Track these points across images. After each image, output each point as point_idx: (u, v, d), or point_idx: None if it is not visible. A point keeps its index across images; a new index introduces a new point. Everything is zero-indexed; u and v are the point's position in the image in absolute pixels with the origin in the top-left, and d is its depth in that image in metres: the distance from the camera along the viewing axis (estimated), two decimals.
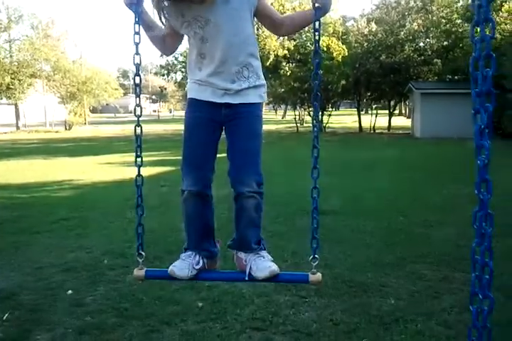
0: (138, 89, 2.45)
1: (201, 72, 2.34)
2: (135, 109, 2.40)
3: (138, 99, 2.45)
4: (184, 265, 2.26)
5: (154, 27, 2.35)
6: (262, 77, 2.41)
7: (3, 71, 28.38)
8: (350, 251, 5.44)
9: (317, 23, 2.34)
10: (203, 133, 2.37)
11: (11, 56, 30.86)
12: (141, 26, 2.39)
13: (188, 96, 2.43)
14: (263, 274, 2.19)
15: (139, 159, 2.40)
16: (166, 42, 2.43)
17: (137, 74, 2.50)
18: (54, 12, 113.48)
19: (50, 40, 33.19)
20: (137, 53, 2.47)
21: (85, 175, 12.40)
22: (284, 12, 23.96)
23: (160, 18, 2.27)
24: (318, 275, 2.22)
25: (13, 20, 29.83)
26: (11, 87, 29.56)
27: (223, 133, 2.42)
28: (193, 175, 2.35)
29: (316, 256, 2.24)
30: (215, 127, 2.38)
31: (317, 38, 2.37)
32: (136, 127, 2.37)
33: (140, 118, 2.47)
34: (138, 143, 2.39)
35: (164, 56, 25.39)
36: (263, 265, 2.22)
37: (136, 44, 2.44)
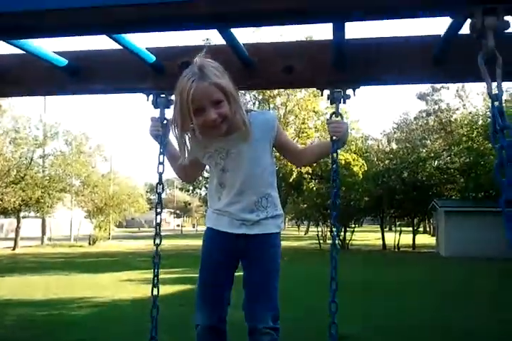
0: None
1: (220, 202, 2.39)
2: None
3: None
4: None
5: (177, 157, 2.44)
6: (280, 207, 2.46)
7: (35, 185, 29.23)
8: None
9: (335, 155, 2.47)
10: (219, 265, 2.36)
11: (43, 171, 31.87)
12: (165, 156, 2.55)
13: (206, 225, 2.47)
14: None
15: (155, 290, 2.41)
16: (188, 172, 2.53)
17: (159, 201, 2.60)
18: (88, 125, 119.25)
19: (82, 155, 34.58)
20: (160, 183, 2.60)
21: (105, 292, 12.26)
22: (306, 130, 24.94)
23: (183, 149, 2.36)
24: None
25: (49, 137, 31.15)
26: (41, 200, 30.24)
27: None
28: (207, 309, 2.30)
29: None
30: (232, 258, 2.37)
31: (335, 169, 2.46)
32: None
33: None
34: (155, 273, 2.41)
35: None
36: None
37: (160, 174, 2.57)
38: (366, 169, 28.32)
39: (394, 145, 34.22)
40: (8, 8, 1.67)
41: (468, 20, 1.67)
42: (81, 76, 2.79)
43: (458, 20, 1.82)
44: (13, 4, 1.66)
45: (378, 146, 36.07)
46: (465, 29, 2.12)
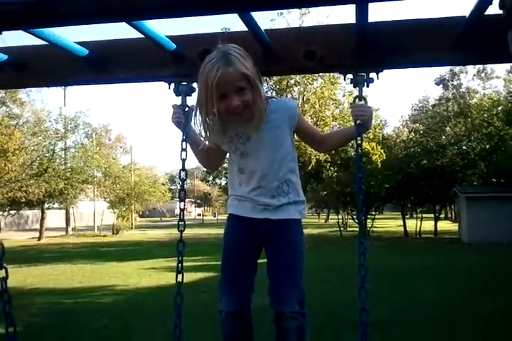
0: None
1: (241, 188, 2.39)
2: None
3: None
4: None
5: (199, 143, 2.46)
6: (302, 193, 2.45)
7: (58, 177, 29.57)
8: None
9: (359, 139, 2.45)
10: (242, 250, 2.36)
11: (65, 163, 32.20)
12: (187, 143, 2.54)
13: (228, 212, 2.47)
14: None
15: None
16: (211, 158, 2.54)
17: (182, 188, 2.61)
18: (109, 116, 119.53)
19: (102, 147, 34.85)
20: (183, 169, 2.60)
21: (129, 280, 12.44)
22: (324, 119, 24.73)
23: (205, 134, 2.37)
24: None
25: (69, 130, 31.42)
26: (64, 192, 30.63)
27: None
28: (232, 294, 2.30)
29: None
30: (255, 243, 2.36)
31: (360, 153, 2.45)
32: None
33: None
34: (179, 259, 2.42)
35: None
36: None
37: (183, 160, 2.57)
38: (385, 158, 28.12)
39: (413, 134, 33.74)
40: None
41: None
42: (102, 65, 2.79)
43: None
44: None
45: (397, 135, 35.66)
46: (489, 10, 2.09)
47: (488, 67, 32.55)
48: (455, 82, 34.87)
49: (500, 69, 34.42)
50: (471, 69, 33.87)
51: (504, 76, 33.44)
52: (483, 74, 34.14)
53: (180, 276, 2.46)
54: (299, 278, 2.29)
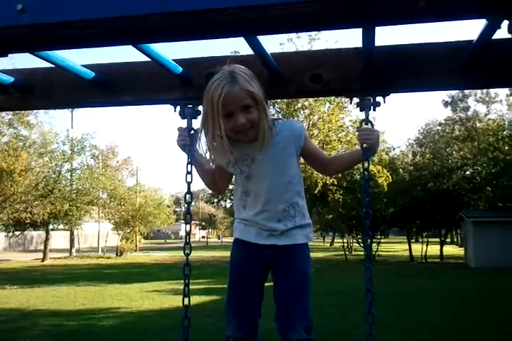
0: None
1: (246, 211, 2.35)
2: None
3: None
4: None
5: (205, 166, 2.44)
6: (308, 216, 2.40)
7: (63, 198, 29.58)
8: None
9: (366, 163, 2.42)
10: (249, 275, 2.32)
11: (71, 184, 32.24)
12: (193, 166, 2.51)
13: (234, 236, 2.43)
14: None
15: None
16: (217, 181, 2.50)
17: (188, 212, 2.58)
18: (116, 138, 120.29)
19: (108, 169, 34.95)
20: (189, 192, 2.57)
21: (133, 302, 12.31)
22: (330, 142, 24.73)
23: (210, 156, 2.36)
24: None
25: (76, 152, 31.57)
26: (69, 213, 30.59)
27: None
28: (238, 320, 2.26)
29: None
30: (261, 268, 2.32)
31: (367, 177, 2.41)
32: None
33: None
34: (186, 283, 2.39)
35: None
36: None
37: (188, 183, 2.54)
38: (391, 181, 28.05)
39: (418, 157, 33.68)
40: (36, 20, 1.66)
41: (505, 23, 1.62)
42: (108, 88, 2.79)
43: (493, 23, 1.77)
44: (39, 16, 1.65)
45: (403, 158, 35.62)
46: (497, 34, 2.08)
47: (492, 91, 32.68)
48: (463, 105, 34.96)
49: (502, 93, 34.56)
50: (477, 92, 34.02)
51: (505, 100, 33.54)
52: (487, 98, 34.27)
53: (186, 300, 2.41)
54: (306, 304, 2.24)
